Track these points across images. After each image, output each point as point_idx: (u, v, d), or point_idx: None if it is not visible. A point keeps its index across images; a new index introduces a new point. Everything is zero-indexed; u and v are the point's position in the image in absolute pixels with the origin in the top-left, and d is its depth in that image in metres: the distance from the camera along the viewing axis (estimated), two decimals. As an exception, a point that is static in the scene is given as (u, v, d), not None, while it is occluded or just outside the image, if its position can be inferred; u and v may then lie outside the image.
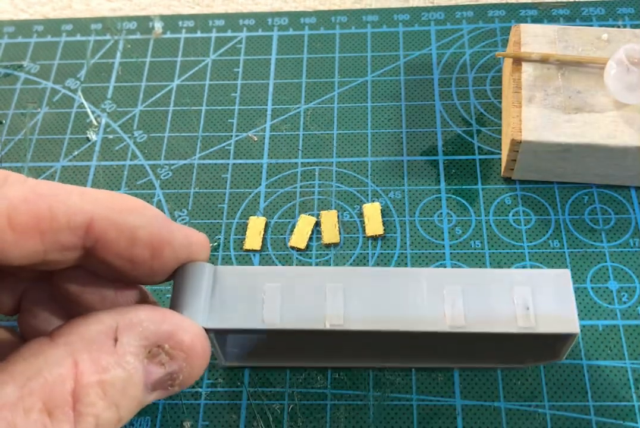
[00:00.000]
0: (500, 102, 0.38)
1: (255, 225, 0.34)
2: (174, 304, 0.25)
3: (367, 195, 0.35)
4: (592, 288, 0.31)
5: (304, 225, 0.34)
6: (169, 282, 0.26)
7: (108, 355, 0.21)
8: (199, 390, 0.30)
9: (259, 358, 0.30)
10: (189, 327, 0.23)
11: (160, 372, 0.23)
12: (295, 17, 0.43)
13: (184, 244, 0.24)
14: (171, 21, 0.43)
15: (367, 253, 0.33)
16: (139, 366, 0.22)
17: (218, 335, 0.27)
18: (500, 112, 0.37)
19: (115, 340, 0.21)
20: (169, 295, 0.33)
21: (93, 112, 0.40)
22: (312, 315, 0.25)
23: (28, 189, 0.21)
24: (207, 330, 0.25)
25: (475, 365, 0.30)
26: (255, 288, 0.25)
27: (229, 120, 0.39)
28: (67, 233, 0.21)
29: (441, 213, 0.34)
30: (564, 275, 0.26)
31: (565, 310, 0.25)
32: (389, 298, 0.25)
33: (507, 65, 0.36)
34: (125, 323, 0.22)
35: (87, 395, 0.20)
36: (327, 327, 0.25)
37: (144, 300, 0.27)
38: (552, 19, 0.41)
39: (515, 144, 0.32)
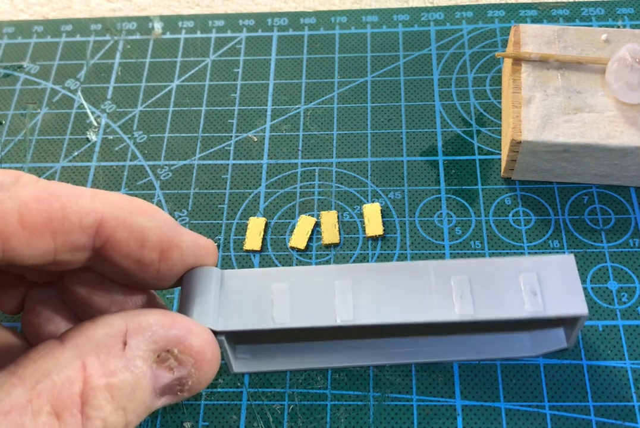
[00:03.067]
0: (500, 103, 0.38)
1: (255, 226, 0.34)
2: (183, 308, 0.25)
3: (367, 195, 0.35)
4: (592, 288, 0.31)
5: (304, 225, 0.34)
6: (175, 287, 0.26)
7: (116, 359, 0.21)
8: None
9: (266, 364, 0.30)
10: (198, 332, 0.23)
11: (169, 376, 0.22)
12: (294, 18, 0.43)
13: (192, 248, 0.25)
14: (171, 21, 0.43)
15: (367, 253, 0.33)
16: (148, 370, 0.22)
17: (229, 341, 0.27)
18: (500, 113, 0.37)
19: (125, 343, 0.21)
20: (168, 296, 0.33)
21: (93, 113, 0.40)
22: (322, 312, 0.25)
23: (40, 188, 0.21)
24: (218, 334, 0.25)
25: (484, 358, 0.30)
26: (263, 289, 0.26)
27: (229, 121, 0.39)
28: (78, 233, 0.22)
29: (441, 213, 0.34)
30: (568, 260, 0.26)
31: (572, 293, 0.25)
32: (397, 291, 0.25)
33: (506, 65, 0.36)
34: (135, 327, 0.22)
35: (95, 398, 0.20)
36: (338, 322, 0.25)
37: (152, 303, 0.27)
38: (552, 19, 0.41)
39: (515, 144, 0.32)
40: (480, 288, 0.25)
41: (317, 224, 0.34)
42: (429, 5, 0.43)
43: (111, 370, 0.21)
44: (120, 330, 0.22)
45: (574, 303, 0.25)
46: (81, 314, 0.26)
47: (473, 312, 0.25)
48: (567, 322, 0.28)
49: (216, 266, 0.26)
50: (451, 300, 0.25)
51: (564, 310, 0.25)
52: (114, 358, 0.21)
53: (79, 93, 0.41)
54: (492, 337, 0.29)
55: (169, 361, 0.22)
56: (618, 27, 0.40)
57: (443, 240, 0.33)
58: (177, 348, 0.22)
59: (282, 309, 0.25)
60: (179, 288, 0.26)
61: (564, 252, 0.32)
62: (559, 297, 0.25)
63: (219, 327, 0.25)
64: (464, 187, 0.35)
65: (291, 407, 0.29)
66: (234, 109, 0.39)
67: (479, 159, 0.36)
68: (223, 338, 0.25)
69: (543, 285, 0.25)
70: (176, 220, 0.35)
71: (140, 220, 0.23)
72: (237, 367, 0.29)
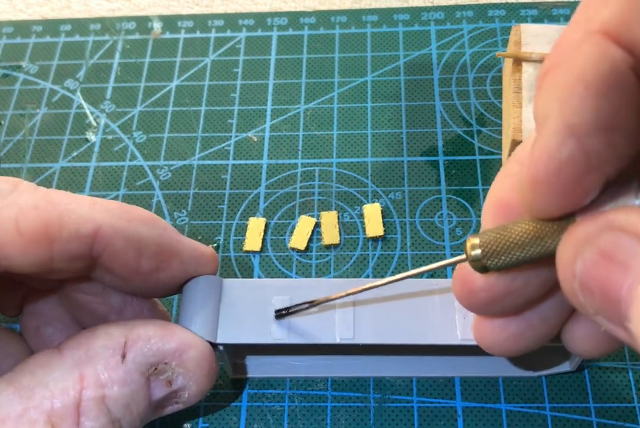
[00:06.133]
0: (500, 102, 0.38)
1: (255, 226, 0.34)
2: (183, 318, 0.24)
3: (367, 196, 0.35)
4: (593, 289, 0.31)
5: (304, 226, 0.34)
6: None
7: (114, 371, 0.21)
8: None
9: (265, 371, 0.29)
10: (196, 345, 0.23)
11: (165, 389, 0.22)
12: (294, 17, 0.42)
13: (192, 256, 0.24)
14: (170, 21, 0.43)
15: (368, 254, 0.33)
16: (145, 383, 0.22)
17: (228, 349, 0.26)
18: (501, 112, 0.37)
19: (123, 356, 0.21)
20: (168, 297, 0.33)
21: (92, 113, 0.40)
22: (322, 329, 0.25)
23: (39, 196, 0.21)
24: (216, 345, 0.25)
25: (485, 375, 0.29)
26: (263, 301, 0.25)
27: (229, 121, 0.39)
28: (76, 242, 0.21)
29: (442, 214, 0.34)
30: None
31: None
32: (400, 310, 0.25)
33: (507, 65, 0.36)
34: (134, 338, 0.22)
35: (91, 410, 0.20)
36: (337, 341, 0.24)
37: (153, 310, 0.26)
38: (553, 19, 0.41)
39: (516, 145, 0.32)
40: None
41: (317, 225, 0.34)
42: (429, 4, 0.43)
43: (108, 381, 0.21)
44: (119, 342, 0.22)
45: None
46: (80, 320, 0.26)
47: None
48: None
49: (216, 274, 0.26)
50: (454, 322, 0.24)
51: None
52: (111, 370, 0.21)
53: (78, 93, 0.41)
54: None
55: (167, 374, 0.22)
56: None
57: (443, 240, 0.33)
58: (174, 361, 0.22)
59: (282, 324, 0.25)
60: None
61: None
62: None
63: (218, 340, 0.24)
64: (464, 188, 0.35)
65: (291, 409, 0.29)
66: (234, 109, 0.39)
67: (480, 159, 0.36)
68: (222, 349, 0.25)
69: None
70: (175, 220, 0.35)
71: (138, 229, 0.23)
72: (236, 373, 0.29)
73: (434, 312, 0.25)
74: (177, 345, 0.22)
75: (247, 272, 0.33)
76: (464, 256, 0.19)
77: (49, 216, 0.21)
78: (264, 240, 0.34)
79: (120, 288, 0.24)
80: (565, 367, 0.28)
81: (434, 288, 0.25)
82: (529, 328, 0.20)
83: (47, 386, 0.20)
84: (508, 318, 0.21)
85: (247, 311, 0.25)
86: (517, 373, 0.29)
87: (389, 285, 0.25)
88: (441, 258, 0.33)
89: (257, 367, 0.29)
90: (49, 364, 0.21)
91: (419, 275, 0.22)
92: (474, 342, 0.24)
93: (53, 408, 0.20)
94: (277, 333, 0.24)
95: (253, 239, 0.34)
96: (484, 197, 0.34)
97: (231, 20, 0.43)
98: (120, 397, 0.21)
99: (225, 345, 0.25)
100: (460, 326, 0.24)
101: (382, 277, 0.32)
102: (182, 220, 0.35)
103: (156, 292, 0.25)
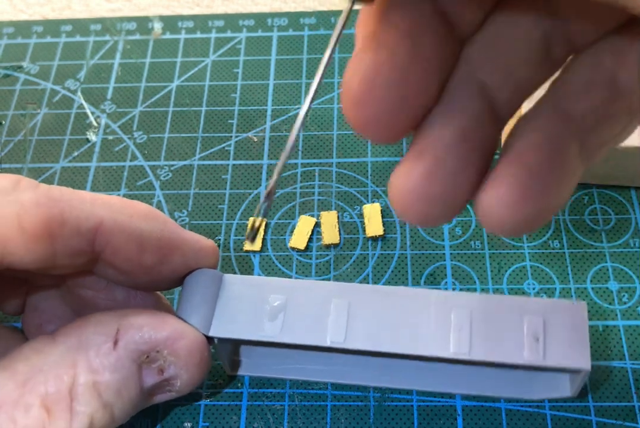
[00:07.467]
0: (500, 103, 0.38)
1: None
2: (180, 310, 0.25)
3: (367, 195, 0.35)
4: (592, 288, 0.31)
5: (304, 225, 0.34)
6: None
7: (106, 358, 0.21)
8: (199, 391, 0.30)
9: (264, 369, 0.29)
10: (188, 334, 0.23)
11: (157, 377, 0.23)
12: (294, 18, 0.43)
13: (194, 250, 0.25)
14: (171, 22, 0.43)
15: (368, 254, 0.33)
16: (136, 370, 0.22)
17: (226, 343, 0.27)
18: (500, 113, 0.37)
19: (115, 343, 0.22)
20: (168, 296, 0.33)
21: (93, 113, 0.40)
22: (314, 330, 0.25)
23: (40, 193, 0.21)
24: (211, 339, 0.25)
25: (485, 394, 0.28)
26: (260, 299, 0.25)
27: (229, 121, 0.39)
28: (78, 238, 0.21)
29: (441, 213, 0.34)
30: (580, 308, 0.25)
31: (577, 344, 0.24)
32: (394, 318, 0.25)
33: (506, 65, 0.36)
34: (126, 326, 0.22)
35: (83, 395, 0.21)
36: (328, 343, 0.24)
37: (157, 304, 0.27)
38: (552, 19, 0.41)
39: (515, 145, 0.32)
40: (481, 327, 0.24)
41: (317, 224, 0.34)
42: (429, 5, 0.43)
43: (100, 368, 0.21)
44: (112, 329, 0.22)
45: (576, 356, 0.24)
46: (82, 313, 0.26)
47: (468, 351, 0.24)
48: (569, 373, 0.27)
49: (217, 266, 0.26)
50: (448, 335, 0.24)
51: (564, 361, 0.24)
52: (103, 357, 0.21)
53: (79, 93, 0.41)
54: (494, 372, 0.28)
55: (158, 362, 0.23)
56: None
57: (443, 240, 0.33)
58: (166, 350, 0.23)
59: (275, 322, 0.25)
60: (180, 288, 0.26)
61: (564, 253, 0.32)
62: (562, 346, 0.24)
63: (211, 333, 0.24)
64: (464, 187, 0.35)
65: (291, 408, 0.29)
66: (234, 109, 0.39)
67: (479, 159, 0.36)
68: (216, 342, 0.25)
69: (548, 331, 0.24)
70: (176, 220, 0.35)
71: (140, 224, 0.23)
72: (233, 369, 0.29)
73: (428, 323, 0.25)
74: (169, 334, 0.23)
75: (248, 272, 0.33)
76: None
77: (50, 212, 0.21)
78: (264, 239, 0.34)
79: (123, 282, 0.25)
80: (566, 392, 0.27)
81: (430, 299, 0.25)
82: (437, 163, 0.17)
83: (42, 371, 0.21)
84: (415, 157, 0.17)
85: (243, 307, 0.25)
86: (518, 395, 0.28)
87: (388, 293, 0.25)
88: (441, 258, 0.33)
89: (256, 367, 0.29)
90: (43, 350, 0.21)
91: None
92: (465, 358, 0.24)
93: (47, 393, 0.20)
94: (269, 331, 0.25)
95: (253, 239, 0.34)
96: (484, 197, 0.34)
97: (231, 21, 0.43)
98: (111, 383, 0.21)
99: (219, 339, 0.25)
100: (453, 340, 0.24)
101: (382, 276, 0.32)
102: (183, 220, 0.35)
103: (158, 285, 0.25)
